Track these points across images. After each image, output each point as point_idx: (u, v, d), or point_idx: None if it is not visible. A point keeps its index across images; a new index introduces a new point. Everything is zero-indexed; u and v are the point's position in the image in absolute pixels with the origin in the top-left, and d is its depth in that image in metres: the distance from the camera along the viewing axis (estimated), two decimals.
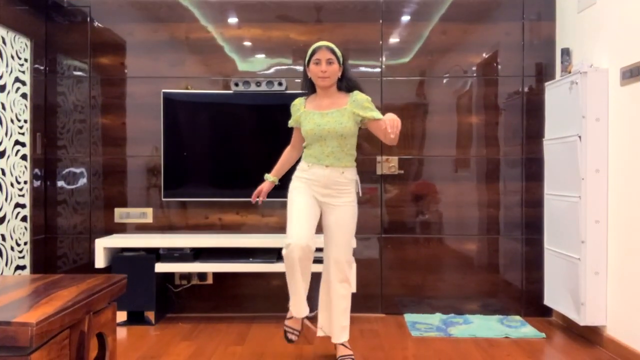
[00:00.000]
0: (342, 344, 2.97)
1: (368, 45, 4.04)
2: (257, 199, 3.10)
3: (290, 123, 3.06)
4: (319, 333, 3.08)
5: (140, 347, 3.28)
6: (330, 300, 2.96)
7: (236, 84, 3.94)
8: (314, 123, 2.87)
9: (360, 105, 2.85)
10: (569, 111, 3.40)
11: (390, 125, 2.59)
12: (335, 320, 2.96)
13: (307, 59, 2.91)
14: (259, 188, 3.12)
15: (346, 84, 2.92)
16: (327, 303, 3.01)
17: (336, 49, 2.89)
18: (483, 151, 4.03)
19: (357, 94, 2.88)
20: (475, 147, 4.03)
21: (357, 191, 2.97)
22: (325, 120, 2.86)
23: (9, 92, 3.58)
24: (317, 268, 3.12)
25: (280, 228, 4.03)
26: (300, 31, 4.05)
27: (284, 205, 4.00)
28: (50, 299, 1.77)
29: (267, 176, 3.13)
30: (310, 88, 2.98)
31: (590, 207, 3.24)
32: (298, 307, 2.94)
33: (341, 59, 2.90)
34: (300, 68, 4.04)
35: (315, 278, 3.04)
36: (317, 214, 2.92)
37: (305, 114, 2.93)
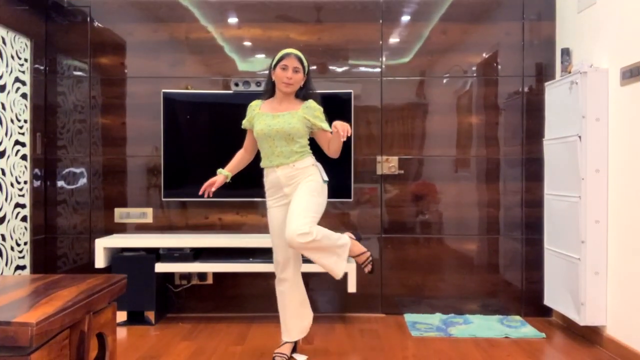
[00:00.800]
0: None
1: (368, 45, 4.04)
2: (208, 191, 3.04)
3: (244, 124, 3.11)
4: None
5: (140, 347, 3.28)
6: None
7: (236, 84, 3.94)
8: (265, 123, 2.94)
9: (312, 113, 2.94)
10: (569, 111, 3.40)
11: (341, 128, 2.70)
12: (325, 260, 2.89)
13: (274, 62, 2.98)
14: (210, 180, 3.06)
15: (305, 93, 3.02)
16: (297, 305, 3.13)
17: (304, 59, 2.98)
18: (483, 151, 4.03)
19: (311, 102, 2.97)
20: (475, 147, 4.03)
21: (321, 176, 2.96)
22: (275, 121, 2.94)
23: (9, 92, 3.58)
24: (308, 268, 3.11)
25: None
26: (300, 31, 4.05)
27: None
28: (50, 299, 1.77)
29: (220, 170, 3.11)
30: (270, 90, 3.05)
31: (590, 207, 3.24)
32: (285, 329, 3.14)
33: (307, 69, 3.00)
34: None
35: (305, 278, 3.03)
36: None
37: (258, 116, 3.00)
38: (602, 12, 3.33)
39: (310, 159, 2.99)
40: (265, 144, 2.97)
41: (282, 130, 2.90)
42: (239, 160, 3.18)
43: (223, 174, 3.10)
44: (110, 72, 4.07)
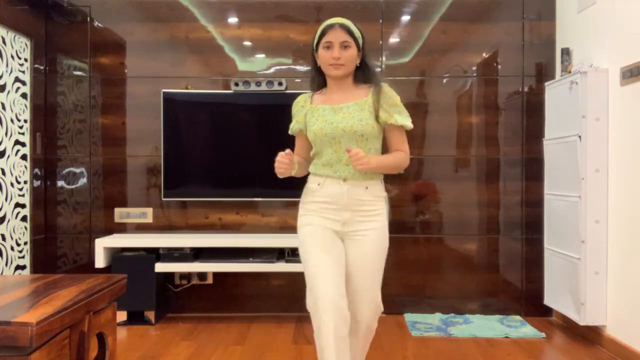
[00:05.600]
0: None
1: (368, 45, 4.02)
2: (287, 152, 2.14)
3: (292, 127, 2.33)
4: None
5: (140, 347, 3.28)
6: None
7: (236, 84, 3.94)
8: (324, 120, 2.19)
9: (387, 100, 2.18)
10: (569, 111, 3.40)
11: (354, 157, 2.04)
12: None
13: (315, 41, 2.22)
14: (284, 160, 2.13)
15: (366, 73, 2.25)
16: None
17: (354, 28, 2.21)
18: (483, 151, 4.03)
19: (384, 86, 2.22)
20: (475, 147, 4.03)
21: (388, 213, 2.28)
22: (339, 117, 2.17)
23: (9, 92, 3.58)
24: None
25: (280, 228, 4.03)
26: (300, 31, 4.05)
27: (283, 205, 4.01)
28: (50, 299, 1.77)
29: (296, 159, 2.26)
30: (318, 80, 2.29)
31: (590, 207, 3.24)
32: None
33: (361, 42, 2.23)
34: (300, 68, 4.05)
35: None
36: (343, 257, 2.18)
37: (312, 111, 2.23)
38: (602, 12, 3.33)
39: (382, 185, 2.26)
40: (327, 149, 2.20)
41: (351, 130, 2.15)
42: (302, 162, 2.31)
43: (295, 163, 2.19)
44: (110, 72, 4.07)
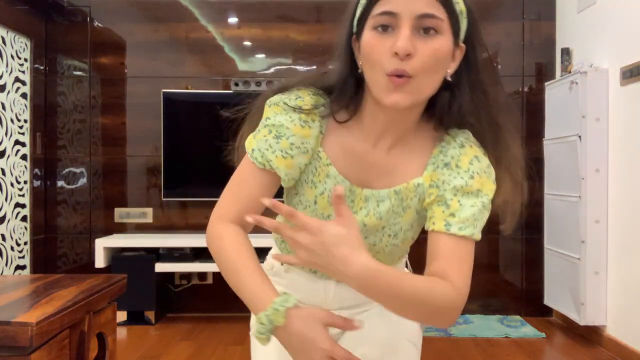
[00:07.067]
0: None
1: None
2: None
3: (259, 158, 1.05)
4: None
5: (140, 347, 3.28)
6: None
7: (236, 84, 3.94)
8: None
9: (460, 179, 1.07)
10: (569, 111, 3.40)
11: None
12: None
13: (354, 11, 1.03)
14: None
15: (461, 108, 1.03)
16: None
17: None
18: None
19: (468, 147, 1.07)
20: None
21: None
22: (361, 213, 1.09)
23: (9, 92, 3.58)
24: None
25: None
26: (300, 31, 4.04)
27: None
28: (50, 299, 1.77)
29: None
30: (350, 93, 1.05)
31: (590, 207, 3.24)
32: None
33: (465, 25, 0.99)
34: (300, 68, 4.04)
35: None
36: None
37: (319, 164, 1.07)
38: (602, 12, 3.33)
39: (404, 259, 1.31)
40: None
41: (385, 241, 1.13)
42: (245, 257, 1.06)
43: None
44: (110, 72, 4.07)
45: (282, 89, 1.09)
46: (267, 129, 1.05)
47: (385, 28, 0.94)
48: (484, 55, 1.04)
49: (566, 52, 3.67)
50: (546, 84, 3.80)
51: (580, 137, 3.26)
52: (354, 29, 1.02)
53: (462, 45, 1.00)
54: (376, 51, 0.95)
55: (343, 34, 1.05)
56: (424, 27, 0.93)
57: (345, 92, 1.04)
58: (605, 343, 3.23)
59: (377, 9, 0.95)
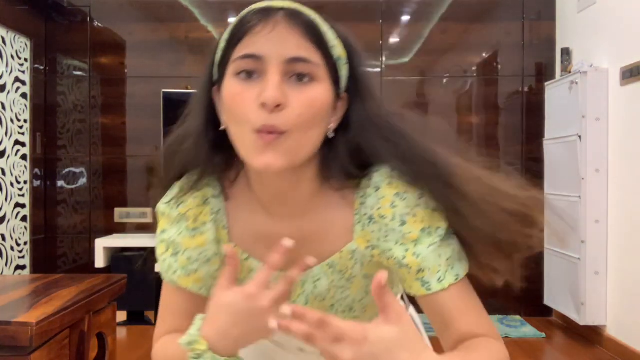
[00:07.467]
0: None
1: (368, 45, 4.03)
2: None
3: (166, 280, 0.92)
4: None
5: (140, 347, 3.28)
6: None
7: None
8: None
9: (396, 235, 0.86)
10: (569, 111, 3.40)
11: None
12: None
13: (215, 55, 0.96)
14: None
15: (354, 157, 0.86)
16: None
17: (325, 28, 0.88)
18: (483, 151, 4.02)
19: (386, 185, 0.86)
20: (475, 147, 4.03)
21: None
22: (304, 302, 0.94)
23: (9, 92, 3.58)
24: None
25: None
26: None
27: None
28: (50, 299, 1.77)
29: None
30: (218, 158, 0.88)
31: (590, 207, 3.24)
32: None
33: (343, 62, 0.85)
34: None
35: None
36: None
37: (242, 265, 0.91)
38: (602, 12, 3.33)
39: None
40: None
41: (328, 310, 0.97)
42: None
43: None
44: (110, 72, 4.07)
45: (162, 179, 0.94)
46: (164, 244, 0.91)
47: (250, 74, 0.79)
48: (376, 107, 0.85)
49: (566, 52, 3.67)
50: (546, 84, 3.80)
51: (580, 137, 3.26)
52: (214, 77, 0.88)
53: (345, 94, 0.84)
54: (239, 102, 0.78)
55: (201, 82, 0.91)
56: (297, 74, 0.78)
57: (212, 160, 0.86)
58: (605, 343, 3.23)
59: (239, 52, 0.82)
